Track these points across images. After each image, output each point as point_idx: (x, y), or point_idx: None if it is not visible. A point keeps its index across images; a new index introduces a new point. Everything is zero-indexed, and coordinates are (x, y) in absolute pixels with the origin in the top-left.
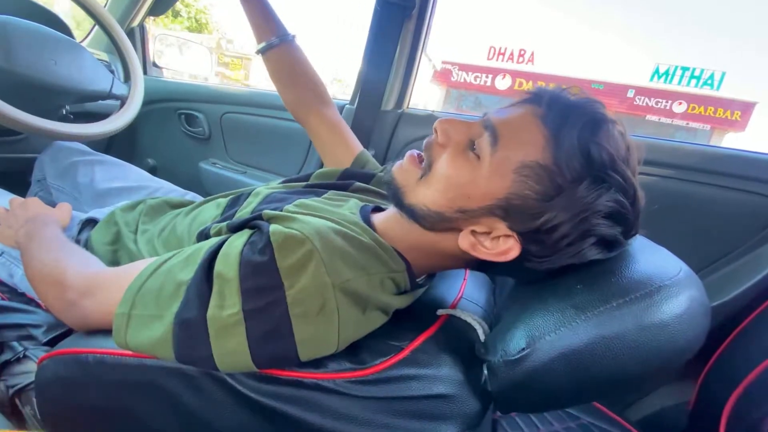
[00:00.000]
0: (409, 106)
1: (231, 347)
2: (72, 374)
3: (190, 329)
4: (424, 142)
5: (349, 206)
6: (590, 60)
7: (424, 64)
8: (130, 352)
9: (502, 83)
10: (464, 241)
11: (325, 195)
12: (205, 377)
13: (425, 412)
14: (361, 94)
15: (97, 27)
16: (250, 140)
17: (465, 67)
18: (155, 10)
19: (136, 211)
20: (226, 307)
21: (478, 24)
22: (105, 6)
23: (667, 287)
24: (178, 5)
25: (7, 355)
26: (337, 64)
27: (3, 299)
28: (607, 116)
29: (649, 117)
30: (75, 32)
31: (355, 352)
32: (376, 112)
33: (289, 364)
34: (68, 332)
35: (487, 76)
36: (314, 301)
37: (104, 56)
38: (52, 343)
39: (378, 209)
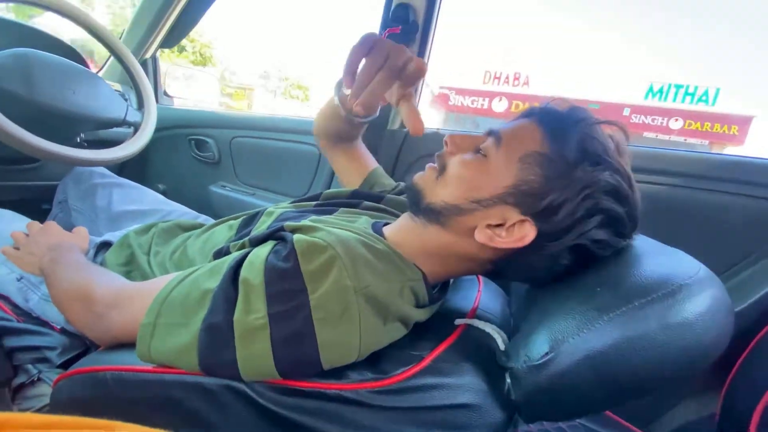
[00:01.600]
0: None
1: (255, 351)
2: (89, 394)
3: (216, 333)
4: (436, 155)
5: (361, 222)
6: (584, 81)
7: (423, 89)
8: (149, 368)
9: (499, 105)
10: (481, 235)
11: (336, 213)
12: (225, 391)
13: (450, 422)
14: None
15: (112, 59)
16: (259, 163)
17: (462, 92)
18: (167, 43)
19: (149, 234)
20: (251, 311)
21: (472, 49)
22: (120, 38)
23: (688, 286)
24: (183, 41)
25: (21, 378)
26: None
27: (18, 321)
28: (595, 118)
29: (646, 134)
30: (90, 65)
31: (376, 362)
32: (382, 131)
33: (311, 370)
34: (83, 354)
35: (484, 100)
36: (336, 305)
37: (118, 86)
38: (66, 365)
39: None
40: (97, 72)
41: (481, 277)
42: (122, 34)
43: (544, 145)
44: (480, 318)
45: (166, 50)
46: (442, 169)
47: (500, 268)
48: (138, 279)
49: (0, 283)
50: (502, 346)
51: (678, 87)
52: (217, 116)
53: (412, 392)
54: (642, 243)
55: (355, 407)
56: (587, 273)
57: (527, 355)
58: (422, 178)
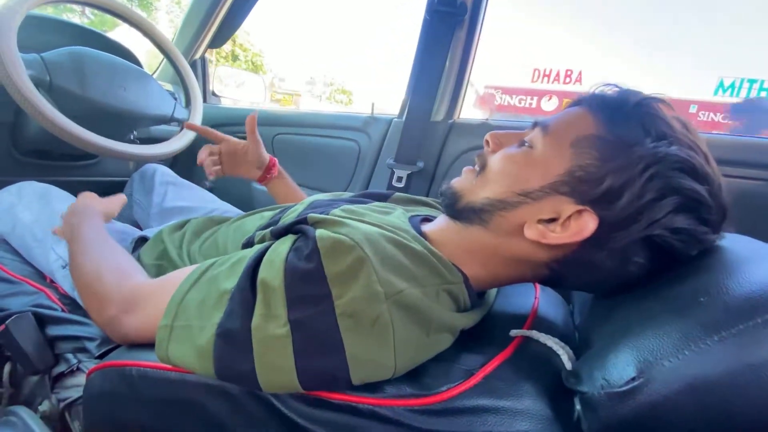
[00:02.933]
0: (460, 117)
1: (276, 362)
2: (116, 388)
3: (233, 340)
4: (476, 155)
5: (397, 214)
6: (644, 75)
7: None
8: (172, 367)
9: (548, 104)
10: (532, 232)
11: (370, 204)
12: (248, 397)
13: None
14: (410, 106)
15: (165, 61)
16: (300, 159)
17: (509, 91)
18: (214, 43)
19: (182, 230)
20: (271, 317)
21: (520, 47)
22: (172, 40)
23: None
24: (236, 50)
25: (61, 367)
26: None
27: (63, 311)
28: (655, 97)
29: (715, 133)
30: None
31: (415, 374)
32: (425, 123)
33: (339, 386)
34: (119, 345)
35: (532, 99)
36: (366, 313)
37: (169, 86)
38: (103, 356)
39: (427, 220)
40: (153, 74)
41: (537, 284)
42: (174, 36)
43: (599, 128)
44: (539, 329)
45: (221, 59)
46: (482, 168)
47: (558, 272)
48: (169, 271)
49: (50, 271)
50: (568, 365)
51: (752, 82)
52: (261, 113)
53: (460, 415)
54: (743, 243)
55: (390, 427)
56: (677, 279)
57: (606, 379)
58: (460, 181)
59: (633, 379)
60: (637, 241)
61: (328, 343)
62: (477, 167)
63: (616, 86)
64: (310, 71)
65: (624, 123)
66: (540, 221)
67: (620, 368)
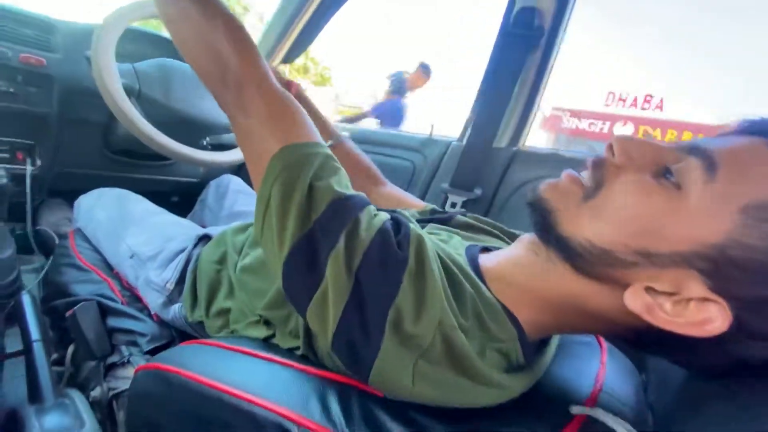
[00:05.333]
0: (526, 144)
1: (329, 300)
2: (157, 390)
3: (304, 263)
4: (591, 159)
5: (454, 244)
6: (743, 100)
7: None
8: (211, 381)
9: (623, 130)
10: (635, 301)
11: (427, 228)
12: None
13: None
14: (472, 129)
15: None
16: None
17: (578, 113)
18: (287, 59)
19: (245, 233)
20: (353, 258)
21: (593, 68)
22: None
23: None
24: (307, 63)
25: (114, 358)
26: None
27: (123, 303)
28: None
29: None
30: None
31: None
32: (487, 149)
33: (357, 370)
34: (167, 345)
35: (603, 123)
36: (413, 328)
37: None
38: (153, 353)
39: (487, 249)
40: None
41: (602, 339)
42: None
43: None
44: (605, 406)
45: (294, 71)
46: (596, 187)
47: (648, 341)
48: (225, 282)
49: (118, 262)
50: None
51: None
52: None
53: None
54: None
55: None
56: None
57: None
58: (558, 190)
59: None
60: None
61: (372, 323)
62: (587, 180)
63: None
64: (373, 86)
65: None
66: (650, 290)
67: None
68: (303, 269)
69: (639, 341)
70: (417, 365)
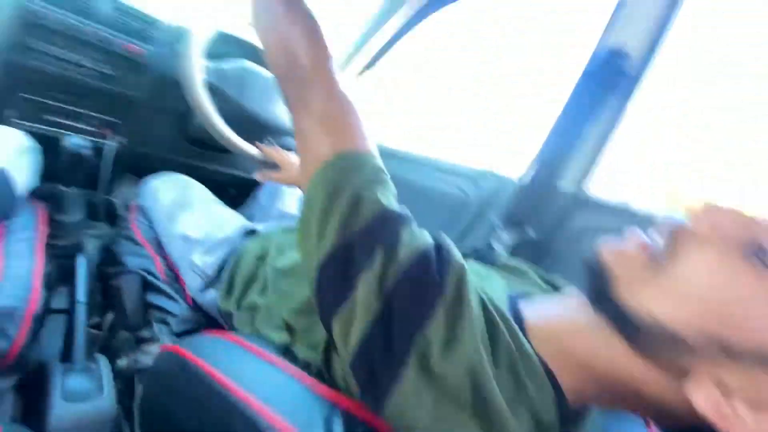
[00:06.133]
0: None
1: (354, 317)
2: (174, 374)
3: (338, 271)
4: (668, 223)
5: (493, 286)
6: None
7: None
8: (223, 378)
9: None
10: (700, 397)
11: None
12: None
13: None
14: (537, 167)
15: None
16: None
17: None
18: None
19: (291, 236)
20: (387, 275)
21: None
22: None
23: None
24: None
25: (146, 333)
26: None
27: (163, 280)
28: None
29: None
30: None
31: None
32: (547, 190)
33: (373, 400)
34: (196, 330)
35: None
36: (442, 359)
37: None
38: (180, 336)
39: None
40: None
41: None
42: None
43: None
44: None
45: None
46: (669, 257)
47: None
48: (260, 279)
49: (168, 242)
50: None
51: None
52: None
53: None
54: None
55: None
56: None
57: None
58: (621, 255)
59: None
60: None
61: (397, 347)
62: (658, 247)
63: None
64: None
65: None
66: (721, 385)
67: None
68: (336, 278)
69: None
70: (438, 407)
